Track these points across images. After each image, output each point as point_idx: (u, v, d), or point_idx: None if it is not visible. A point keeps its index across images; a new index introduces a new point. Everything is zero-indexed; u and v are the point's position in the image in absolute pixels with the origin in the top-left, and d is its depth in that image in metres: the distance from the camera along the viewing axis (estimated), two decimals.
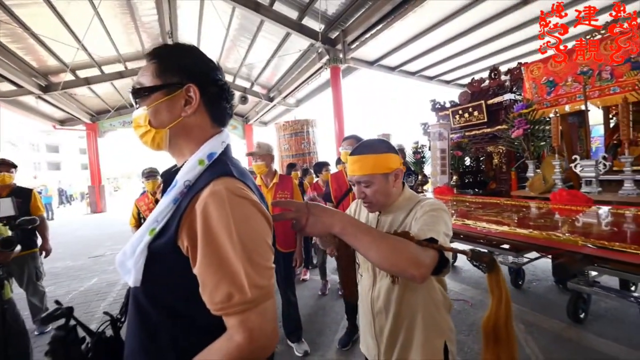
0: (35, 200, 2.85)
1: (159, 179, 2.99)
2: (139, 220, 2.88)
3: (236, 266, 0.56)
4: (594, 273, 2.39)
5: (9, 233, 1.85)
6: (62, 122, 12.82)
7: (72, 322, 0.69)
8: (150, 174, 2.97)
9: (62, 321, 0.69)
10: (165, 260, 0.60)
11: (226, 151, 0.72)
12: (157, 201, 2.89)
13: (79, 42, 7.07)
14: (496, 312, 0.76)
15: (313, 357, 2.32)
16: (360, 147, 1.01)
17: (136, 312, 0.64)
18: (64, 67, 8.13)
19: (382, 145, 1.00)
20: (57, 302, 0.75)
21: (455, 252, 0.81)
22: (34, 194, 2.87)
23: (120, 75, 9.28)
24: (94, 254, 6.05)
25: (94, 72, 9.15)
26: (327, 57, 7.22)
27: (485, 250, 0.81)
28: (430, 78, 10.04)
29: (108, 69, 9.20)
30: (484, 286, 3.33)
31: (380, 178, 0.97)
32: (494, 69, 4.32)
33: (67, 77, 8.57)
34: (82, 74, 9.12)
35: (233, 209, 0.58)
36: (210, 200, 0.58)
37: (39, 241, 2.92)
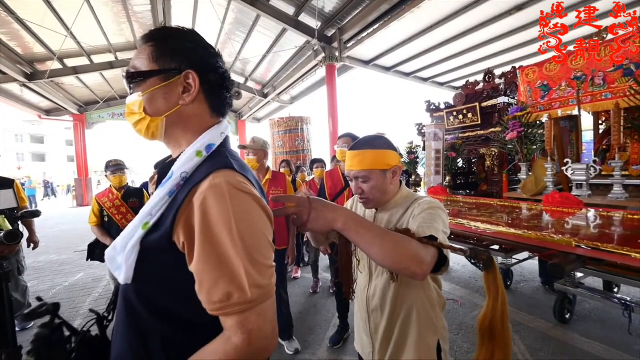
0: (19, 192, 2.74)
1: (126, 173, 2.78)
2: (101, 218, 2.65)
3: (236, 264, 0.53)
4: (579, 275, 2.45)
5: (7, 225, 1.79)
6: (48, 112, 12.45)
7: (57, 320, 0.65)
8: (116, 168, 2.71)
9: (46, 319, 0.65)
10: (159, 257, 0.57)
11: (225, 143, 0.69)
12: (129, 194, 2.74)
13: (68, 29, 6.84)
14: (493, 309, 0.77)
15: (304, 355, 2.30)
16: (360, 142, 1.01)
17: (126, 311, 0.61)
18: (51, 55, 7.88)
19: (381, 142, 1.00)
20: (38, 298, 0.70)
21: (455, 250, 0.80)
22: (16, 184, 2.76)
23: (110, 65, 9.04)
24: (80, 248, 5.89)
25: (82, 61, 8.88)
26: (323, 54, 7.19)
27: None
28: (425, 79, 10.11)
29: (98, 59, 8.96)
30: (474, 286, 3.38)
31: (378, 174, 0.97)
32: (489, 72, 4.37)
33: (54, 65, 8.31)
34: (70, 62, 8.85)
35: (234, 203, 0.55)
36: (209, 193, 0.55)
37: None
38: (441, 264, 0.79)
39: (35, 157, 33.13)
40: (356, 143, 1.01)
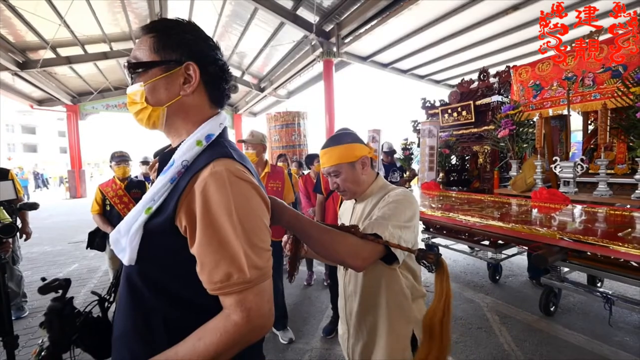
0: (15, 182, 2.73)
1: (130, 165, 2.86)
2: (103, 207, 2.73)
3: (236, 247, 0.56)
4: (565, 269, 2.54)
5: (6, 217, 1.80)
6: (41, 102, 12.22)
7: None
8: (121, 159, 2.79)
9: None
10: (162, 240, 0.60)
11: (223, 133, 0.71)
12: (131, 185, 2.81)
13: (61, 18, 6.71)
14: (434, 309, 0.77)
15: (297, 344, 2.36)
16: (328, 141, 1.09)
17: (129, 292, 0.64)
18: (43, 43, 7.72)
19: (346, 137, 1.07)
20: (43, 279, 0.73)
21: (403, 249, 0.84)
22: (11, 174, 2.75)
23: (104, 56, 8.89)
24: (75, 239, 5.86)
25: (76, 50, 8.73)
26: (320, 49, 7.17)
27: (436, 249, 0.83)
28: (421, 77, 10.14)
29: (92, 49, 8.80)
30: (464, 280, 3.47)
31: (346, 167, 1.04)
32: (483, 71, 4.42)
33: (47, 54, 8.15)
34: (63, 52, 8.68)
35: (234, 190, 0.58)
36: (211, 180, 0.57)
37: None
38: (392, 258, 0.85)
39: (27, 148, 32.56)
40: (325, 142, 1.10)
